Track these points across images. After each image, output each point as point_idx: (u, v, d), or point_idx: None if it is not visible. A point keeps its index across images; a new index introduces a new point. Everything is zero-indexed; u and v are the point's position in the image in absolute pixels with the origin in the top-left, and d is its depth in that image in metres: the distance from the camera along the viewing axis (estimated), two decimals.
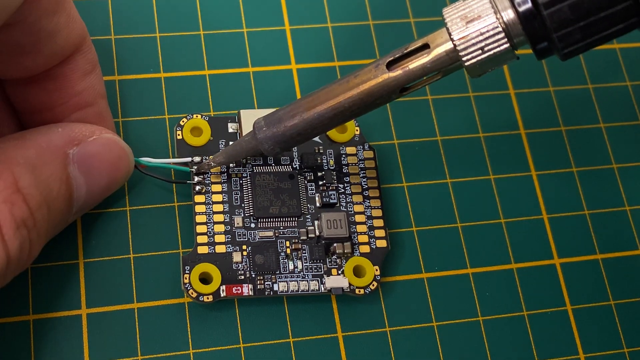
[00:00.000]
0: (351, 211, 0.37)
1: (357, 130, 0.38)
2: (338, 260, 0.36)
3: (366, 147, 0.38)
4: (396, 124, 0.40)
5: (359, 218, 0.37)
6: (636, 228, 0.40)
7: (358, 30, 0.41)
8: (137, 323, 0.35)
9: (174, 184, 0.37)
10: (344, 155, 0.38)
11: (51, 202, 0.31)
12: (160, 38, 0.39)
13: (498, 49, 0.31)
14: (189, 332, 0.35)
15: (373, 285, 0.36)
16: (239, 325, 0.35)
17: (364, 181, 0.37)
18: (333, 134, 0.38)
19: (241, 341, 0.35)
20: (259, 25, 0.41)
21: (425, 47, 0.32)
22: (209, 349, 0.35)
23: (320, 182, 0.37)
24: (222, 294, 0.34)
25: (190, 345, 0.35)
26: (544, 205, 0.40)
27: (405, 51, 0.32)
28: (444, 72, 0.32)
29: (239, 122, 0.37)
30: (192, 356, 0.35)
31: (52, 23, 0.31)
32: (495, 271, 0.38)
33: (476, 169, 0.40)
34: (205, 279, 0.35)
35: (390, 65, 0.32)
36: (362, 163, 0.38)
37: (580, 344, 0.37)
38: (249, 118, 0.37)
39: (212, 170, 0.36)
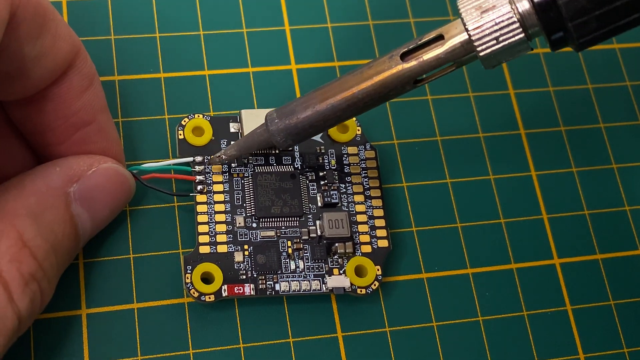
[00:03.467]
0: (353, 211, 0.37)
1: (358, 130, 0.38)
2: (339, 260, 0.36)
3: (367, 147, 0.38)
4: (396, 124, 0.40)
5: (360, 218, 0.37)
6: (636, 228, 0.40)
7: (358, 30, 0.41)
8: (137, 323, 0.35)
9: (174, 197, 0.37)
10: (345, 155, 0.38)
11: (58, 245, 0.31)
12: (160, 38, 0.39)
13: (513, 39, 0.31)
14: (189, 332, 0.35)
15: (375, 285, 0.36)
16: (239, 325, 0.35)
17: (366, 181, 0.37)
18: (334, 133, 0.38)
19: (241, 341, 0.35)
20: (259, 25, 0.41)
21: (440, 38, 0.32)
22: (209, 349, 0.35)
23: (322, 182, 0.37)
24: (224, 294, 0.34)
25: (190, 345, 0.35)
26: (544, 205, 0.40)
27: (420, 42, 0.32)
28: (458, 63, 0.32)
29: (240, 122, 0.37)
30: (192, 356, 0.35)
31: (36, 48, 0.31)
32: (495, 271, 0.38)
33: (476, 169, 0.40)
34: (207, 278, 0.35)
35: (404, 57, 0.32)
36: (363, 163, 0.38)
37: (580, 344, 0.37)
38: (251, 118, 0.37)
39: (213, 169, 0.36)
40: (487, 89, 0.41)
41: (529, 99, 0.41)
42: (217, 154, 0.36)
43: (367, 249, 0.36)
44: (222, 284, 0.35)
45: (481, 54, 0.31)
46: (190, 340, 0.35)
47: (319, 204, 0.37)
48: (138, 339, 0.35)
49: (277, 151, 0.37)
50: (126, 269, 0.36)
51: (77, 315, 0.34)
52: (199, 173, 0.36)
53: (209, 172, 0.36)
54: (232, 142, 0.37)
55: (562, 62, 0.42)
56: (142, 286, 0.35)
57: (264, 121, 0.35)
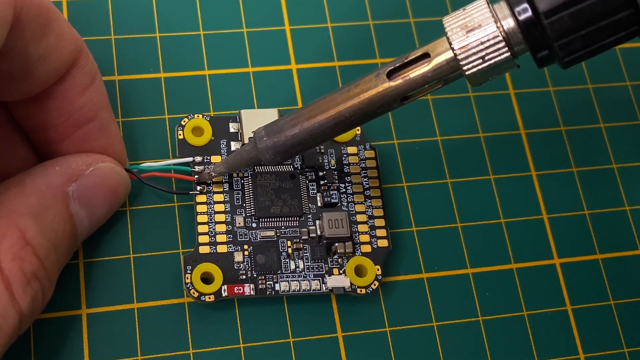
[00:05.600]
0: (352, 211, 0.37)
1: (358, 130, 0.38)
2: (339, 259, 0.36)
3: (367, 146, 0.38)
4: (396, 124, 0.40)
5: (360, 218, 0.37)
6: (636, 228, 0.40)
7: (358, 30, 0.41)
8: (137, 323, 0.35)
9: (174, 195, 0.37)
10: (345, 155, 0.38)
11: (58, 244, 0.32)
12: (160, 38, 0.39)
13: (499, 58, 0.31)
14: (189, 332, 0.35)
15: (374, 284, 0.36)
16: (239, 325, 0.35)
17: (365, 181, 0.37)
18: None
19: (241, 341, 0.35)
20: (259, 25, 0.41)
21: (426, 56, 0.32)
22: (209, 349, 0.35)
23: (322, 182, 0.37)
24: (224, 294, 0.34)
25: (190, 345, 0.35)
26: (544, 205, 0.40)
27: (406, 60, 0.32)
28: (444, 81, 0.32)
29: (240, 122, 0.37)
30: (192, 356, 0.35)
31: (41, 47, 0.31)
32: (495, 271, 0.38)
33: (476, 169, 0.40)
34: (206, 278, 0.35)
35: (390, 75, 0.32)
36: (363, 163, 0.38)
37: (580, 344, 0.37)
38: (250, 118, 0.37)
39: (213, 179, 0.36)
40: (487, 89, 0.41)
41: (529, 99, 0.41)
42: (207, 171, 0.36)
43: (367, 248, 0.36)
44: (222, 284, 0.35)
45: (467, 72, 0.31)
46: (190, 340, 0.35)
47: (319, 204, 0.37)
48: (138, 339, 0.35)
49: None
50: (126, 269, 0.36)
51: (77, 315, 0.34)
52: (199, 173, 0.36)
53: (210, 182, 0.36)
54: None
55: None
56: (142, 286, 0.35)
57: (263, 122, 0.35)
